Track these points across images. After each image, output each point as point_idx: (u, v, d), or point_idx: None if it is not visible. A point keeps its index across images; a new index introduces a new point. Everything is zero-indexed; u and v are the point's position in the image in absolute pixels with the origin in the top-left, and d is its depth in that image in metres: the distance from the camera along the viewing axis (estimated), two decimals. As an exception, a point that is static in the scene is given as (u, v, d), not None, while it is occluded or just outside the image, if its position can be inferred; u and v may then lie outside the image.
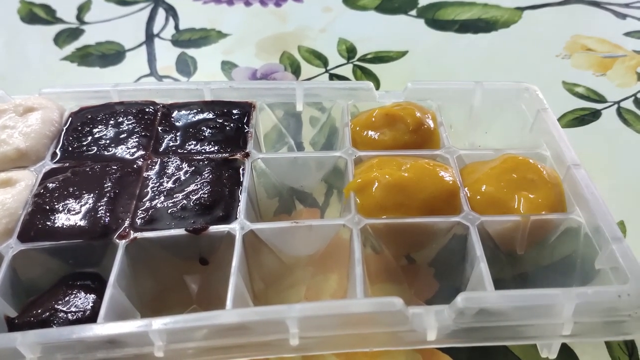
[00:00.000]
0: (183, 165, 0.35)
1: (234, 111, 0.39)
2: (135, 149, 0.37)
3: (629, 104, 0.50)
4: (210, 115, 0.39)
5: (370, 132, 0.38)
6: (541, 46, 0.58)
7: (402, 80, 0.42)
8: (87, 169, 0.35)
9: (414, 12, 0.62)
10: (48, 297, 0.31)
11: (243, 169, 0.35)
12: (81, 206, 0.33)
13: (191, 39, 0.59)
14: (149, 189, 0.34)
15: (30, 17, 0.62)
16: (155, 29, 0.61)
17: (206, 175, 0.34)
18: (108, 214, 0.32)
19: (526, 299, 0.28)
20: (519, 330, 0.28)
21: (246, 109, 0.39)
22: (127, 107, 0.39)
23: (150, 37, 0.59)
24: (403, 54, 0.57)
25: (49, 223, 0.32)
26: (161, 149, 0.37)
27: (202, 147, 0.37)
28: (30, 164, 0.36)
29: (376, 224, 0.33)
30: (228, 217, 0.33)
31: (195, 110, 0.39)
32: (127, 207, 0.33)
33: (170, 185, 0.34)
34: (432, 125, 0.39)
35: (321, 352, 0.28)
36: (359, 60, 0.56)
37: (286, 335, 0.27)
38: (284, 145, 0.43)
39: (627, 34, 0.58)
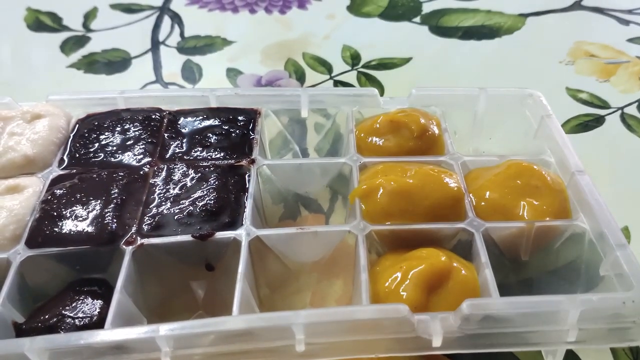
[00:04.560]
0: (189, 172, 0.35)
1: (240, 118, 0.39)
2: (141, 156, 0.37)
3: (632, 110, 0.51)
4: (216, 122, 0.39)
5: (375, 139, 0.39)
6: (545, 52, 0.58)
7: (406, 86, 0.42)
8: (94, 176, 0.35)
9: (417, 19, 0.63)
10: (55, 303, 0.31)
11: (249, 175, 0.36)
12: (88, 212, 0.33)
13: (196, 46, 0.59)
14: (155, 195, 0.34)
15: (37, 24, 0.63)
16: (161, 37, 0.61)
17: (212, 181, 0.35)
18: (115, 220, 0.33)
19: (531, 305, 0.28)
20: (524, 336, 0.28)
21: (251, 115, 0.40)
22: (133, 113, 0.40)
23: (155, 45, 0.60)
24: (407, 60, 0.57)
25: (56, 229, 0.32)
26: (167, 156, 0.37)
27: (208, 154, 0.37)
28: (37, 170, 0.36)
29: (381, 230, 0.33)
30: (234, 223, 0.33)
31: (201, 117, 0.39)
32: (134, 214, 0.33)
33: (176, 191, 0.34)
34: (436, 131, 0.39)
35: (327, 358, 0.28)
36: (363, 67, 0.56)
37: (292, 342, 0.27)
38: (289, 151, 0.43)
39: (631, 40, 0.58)
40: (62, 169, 0.36)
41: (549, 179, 0.35)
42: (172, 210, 0.33)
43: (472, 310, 0.27)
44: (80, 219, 0.33)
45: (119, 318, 0.29)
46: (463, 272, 0.31)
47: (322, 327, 0.27)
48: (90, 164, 0.37)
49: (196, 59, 0.58)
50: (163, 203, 0.34)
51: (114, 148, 0.38)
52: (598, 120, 0.50)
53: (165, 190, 0.35)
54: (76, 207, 0.33)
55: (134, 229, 0.32)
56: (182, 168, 0.36)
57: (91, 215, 0.33)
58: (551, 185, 0.35)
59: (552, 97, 0.41)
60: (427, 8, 0.64)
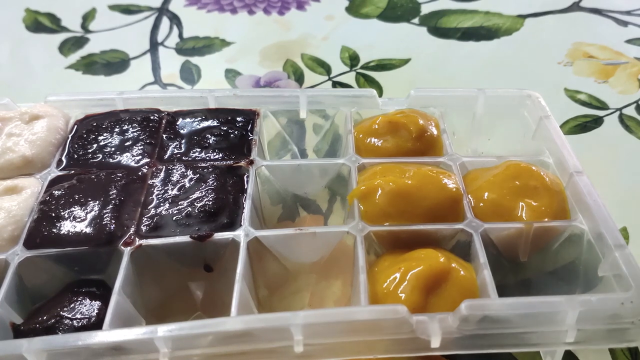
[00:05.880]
0: (188, 173, 0.35)
1: (238, 119, 0.39)
2: (140, 157, 0.37)
3: (630, 111, 0.51)
4: (215, 123, 0.39)
5: (374, 140, 0.39)
6: (543, 53, 0.58)
7: (405, 87, 0.42)
8: (93, 177, 0.35)
9: (416, 20, 0.63)
10: (53, 304, 0.31)
11: (247, 176, 0.36)
12: (87, 213, 0.33)
13: (195, 47, 0.60)
14: (154, 196, 0.34)
15: (36, 25, 0.63)
16: (160, 38, 0.61)
17: (211, 182, 0.35)
18: (113, 221, 0.32)
19: (530, 306, 0.28)
20: (522, 337, 0.28)
21: (250, 116, 0.40)
22: (132, 114, 0.40)
23: (154, 46, 0.60)
24: (406, 61, 0.57)
25: (54, 230, 0.32)
26: (166, 156, 0.37)
27: (207, 155, 0.37)
28: (36, 171, 0.36)
29: (380, 231, 0.33)
30: (232, 224, 0.33)
31: (199, 118, 0.39)
32: (132, 214, 0.33)
33: (175, 192, 0.34)
34: (435, 132, 0.39)
35: (325, 359, 0.28)
36: (361, 67, 0.56)
37: (290, 342, 0.27)
38: (287, 152, 0.43)
39: (629, 41, 0.59)
40: (61, 170, 0.36)
41: (547, 179, 0.35)
42: (170, 211, 0.33)
43: (470, 311, 0.27)
44: (79, 220, 0.33)
45: (117, 319, 0.29)
46: (462, 272, 0.31)
47: (321, 328, 0.27)
48: (89, 164, 0.37)
49: (195, 60, 0.58)
50: (161, 204, 0.34)
51: (113, 149, 0.38)
52: (596, 121, 0.50)
53: (163, 191, 0.35)
54: (74, 208, 0.33)
55: (132, 230, 0.32)
56: (181, 169, 0.36)
57: (89, 216, 0.33)
58: (550, 186, 0.35)
59: (551, 98, 0.41)
60: (425, 9, 0.64)
